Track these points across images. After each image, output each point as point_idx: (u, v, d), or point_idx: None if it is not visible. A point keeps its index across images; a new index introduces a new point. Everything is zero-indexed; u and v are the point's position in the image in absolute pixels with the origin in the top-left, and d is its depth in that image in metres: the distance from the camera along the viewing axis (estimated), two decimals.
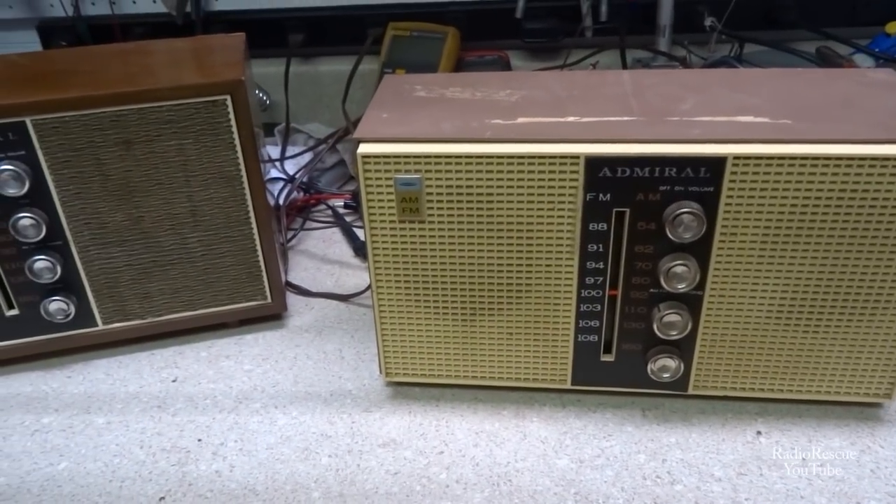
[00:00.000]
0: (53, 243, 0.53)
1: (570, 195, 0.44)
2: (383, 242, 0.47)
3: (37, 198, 0.51)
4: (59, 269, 0.53)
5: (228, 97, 0.51)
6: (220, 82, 0.51)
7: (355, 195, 0.77)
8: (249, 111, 0.52)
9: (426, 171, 0.44)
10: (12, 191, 0.50)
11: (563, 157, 0.43)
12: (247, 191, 0.55)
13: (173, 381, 0.56)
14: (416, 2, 0.91)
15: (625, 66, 0.88)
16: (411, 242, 0.47)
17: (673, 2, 0.86)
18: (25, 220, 0.51)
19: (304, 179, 0.79)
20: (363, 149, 0.44)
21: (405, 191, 0.45)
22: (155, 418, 0.52)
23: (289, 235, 0.74)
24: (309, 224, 0.77)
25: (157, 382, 0.56)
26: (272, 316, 0.62)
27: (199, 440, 0.50)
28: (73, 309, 0.55)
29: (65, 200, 0.52)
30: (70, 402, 0.54)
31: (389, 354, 0.51)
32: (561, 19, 0.91)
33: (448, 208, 0.45)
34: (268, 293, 0.59)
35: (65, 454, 0.49)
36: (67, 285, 0.55)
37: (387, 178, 0.45)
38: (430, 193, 0.45)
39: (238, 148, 0.53)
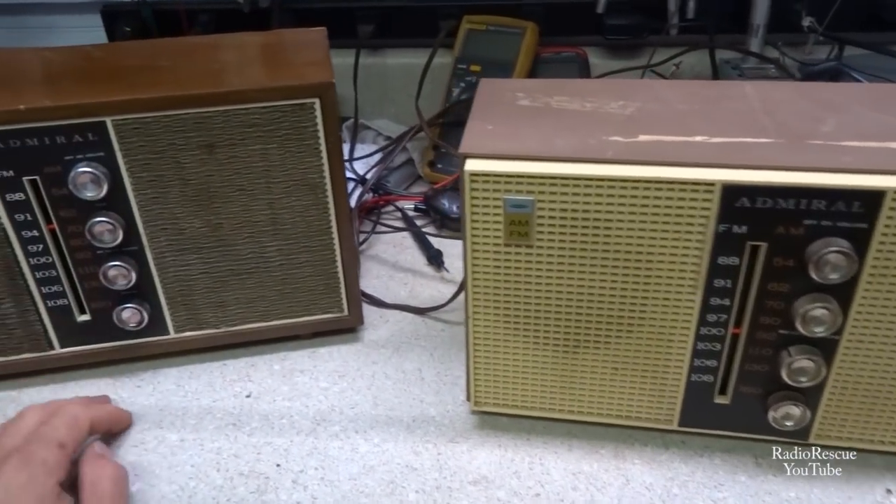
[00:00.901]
0: (129, 248, 0.50)
1: (699, 225, 0.39)
2: (485, 266, 0.43)
3: (114, 201, 0.48)
4: (133, 275, 0.50)
5: (317, 100, 0.48)
6: (309, 84, 0.47)
7: (427, 198, 0.74)
8: (337, 115, 0.49)
9: (539, 193, 0.40)
10: (90, 194, 0.47)
11: (696, 183, 0.38)
12: (330, 199, 0.51)
13: (247, 396, 0.53)
14: None
15: (714, 68, 0.82)
16: (515, 268, 0.43)
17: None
18: (102, 224, 0.48)
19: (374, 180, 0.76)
20: (471, 166, 0.40)
21: (515, 213, 0.41)
22: (230, 438, 0.49)
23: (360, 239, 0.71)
24: (378, 227, 0.74)
25: (230, 397, 0.53)
26: (346, 328, 0.59)
27: (278, 465, 0.47)
28: (145, 316, 0.52)
29: (142, 205, 0.49)
30: (141, 413, 0.52)
31: (480, 383, 0.48)
32: (645, 16, 0.85)
33: (560, 233, 0.41)
34: (345, 305, 0.56)
35: (139, 474, 0.47)
36: (141, 292, 0.52)
37: (495, 199, 0.41)
38: (542, 216, 0.41)
39: (324, 154, 0.50)
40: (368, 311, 0.61)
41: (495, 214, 0.41)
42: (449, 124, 0.80)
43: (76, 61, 0.53)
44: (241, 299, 0.54)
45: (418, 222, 0.74)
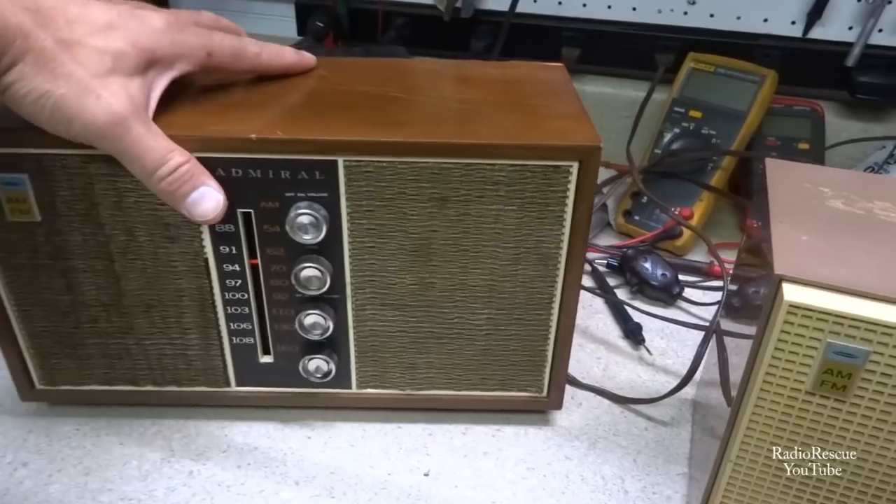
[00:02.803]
0: (330, 297, 0.45)
1: None
2: (770, 410, 0.35)
3: (325, 246, 0.43)
4: (331, 325, 0.45)
5: (576, 164, 0.40)
6: (573, 146, 0.40)
7: (626, 257, 0.65)
8: (595, 183, 0.41)
9: (879, 344, 0.31)
10: (307, 237, 0.42)
11: None
12: (560, 273, 0.44)
13: (425, 474, 0.47)
14: (719, 29, 0.76)
15: None
16: (812, 420, 0.34)
17: None
18: (311, 270, 0.43)
19: None
20: (792, 295, 0.32)
21: (836, 361, 0.32)
22: None
23: None
24: None
25: (406, 471, 0.47)
26: (537, 409, 0.51)
27: None
28: (333, 369, 0.47)
29: (355, 254, 0.43)
30: (311, 474, 0.46)
31: None
32: None
33: (891, 394, 0.32)
34: (545, 386, 0.49)
35: None
36: (331, 342, 0.47)
37: (812, 339, 0.32)
38: (873, 371, 0.32)
39: (567, 224, 0.42)
40: None
41: (805, 356, 0.33)
42: (654, 172, 0.71)
43: (303, 79, 0.48)
44: (435, 364, 0.48)
45: (609, 280, 0.66)
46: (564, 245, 0.43)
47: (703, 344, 0.50)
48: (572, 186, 0.41)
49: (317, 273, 0.43)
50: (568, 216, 0.42)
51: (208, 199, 0.40)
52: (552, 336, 0.47)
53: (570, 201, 0.42)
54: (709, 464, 0.39)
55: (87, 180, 0.40)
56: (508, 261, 0.44)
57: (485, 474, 0.47)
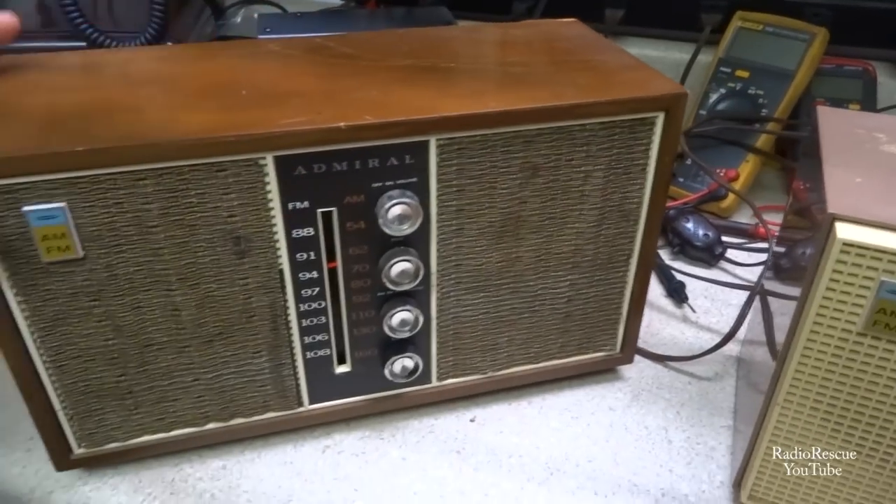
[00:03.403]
0: (415, 289, 0.42)
1: None
2: (820, 352, 0.35)
3: (413, 236, 0.40)
4: (420, 319, 0.42)
5: (661, 115, 0.40)
6: (661, 96, 0.39)
7: (668, 218, 0.64)
8: (680, 130, 0.41)
9: None
10: (403, 228, 0.38)
11: None
12: (640, 229, 0.44)
13: (471, 420, 0.47)
14: None
15: None
16: (864, 362, 0.35)
17: None
18: (403, 264, 0.39)
19: None
20: (846, 233, 0.32)
21: (891, 301, 0.33)
22: (454, 468, 0.44)
23: None
24: None
25: (453, 417, 0.47)
26: (607, 369, 0.51)
27: None
28: (419, 363, 0.44)
29: (442, 239, 0.40)
30: (361, 417, 0.46)
31: (763, 476, 0.41)
32: None
33: None
34: (618, 343, 0.49)
35: (359, 488, 0.42)
36: (412, 337, 0.44)
37: (865, 278, 0.33)
38: None
39: (650, 177, 0.42)
40: None
41: (858, 296, 0.33)
42: (698, 134, 0.70)
43: (323, 58, 0.43)
44: (516, 340, 0.46)
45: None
46: (646, 198, 0.43)
47: (748, 303, 0.51)
48: (657, 137, 0.41)
49: (410, 266, 0.40)
50: (651, 168, 0.42)
51: None
52: (628, 294, 0.47)
53: (653, 152, 0.41)
54: (754, 414, 0.39)
55: (143, 200, 0.34)
56: (593, 222, 0.43)
57: (529, 421, 0.47)
